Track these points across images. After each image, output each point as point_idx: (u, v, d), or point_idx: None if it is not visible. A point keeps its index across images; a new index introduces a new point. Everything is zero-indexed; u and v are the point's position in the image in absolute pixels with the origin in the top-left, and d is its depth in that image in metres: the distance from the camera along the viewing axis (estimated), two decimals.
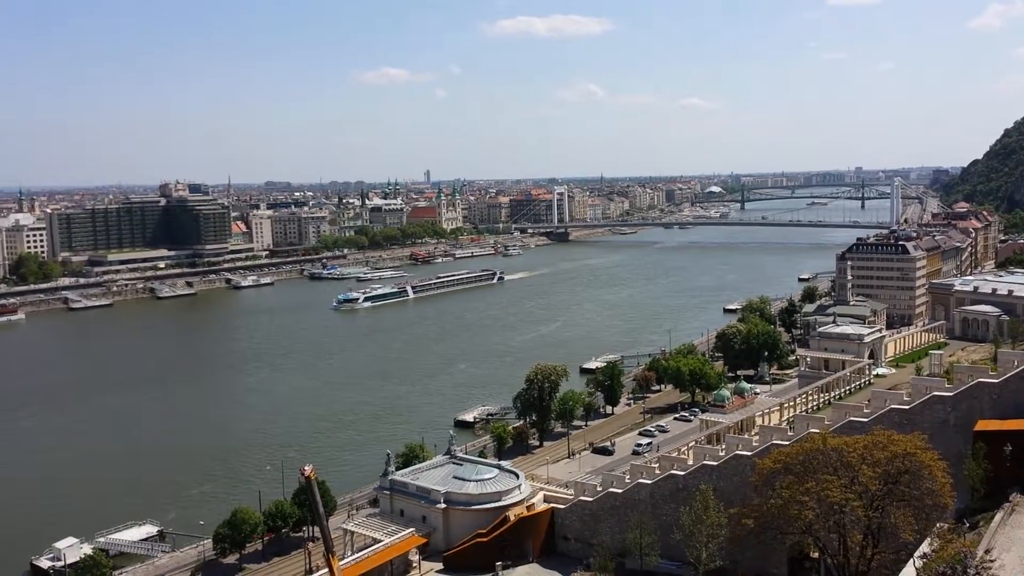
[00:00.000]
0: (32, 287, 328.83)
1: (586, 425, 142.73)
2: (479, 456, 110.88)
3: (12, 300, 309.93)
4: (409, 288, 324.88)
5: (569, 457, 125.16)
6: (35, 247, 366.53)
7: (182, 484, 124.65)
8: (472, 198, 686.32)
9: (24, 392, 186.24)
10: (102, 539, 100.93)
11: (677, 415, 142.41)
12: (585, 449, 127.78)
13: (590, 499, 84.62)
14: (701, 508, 68.90)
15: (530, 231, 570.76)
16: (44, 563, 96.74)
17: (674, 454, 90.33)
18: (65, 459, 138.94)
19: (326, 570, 65.76)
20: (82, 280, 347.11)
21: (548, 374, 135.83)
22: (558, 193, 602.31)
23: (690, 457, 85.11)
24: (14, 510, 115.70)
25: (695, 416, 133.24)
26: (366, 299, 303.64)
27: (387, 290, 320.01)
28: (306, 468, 63.13)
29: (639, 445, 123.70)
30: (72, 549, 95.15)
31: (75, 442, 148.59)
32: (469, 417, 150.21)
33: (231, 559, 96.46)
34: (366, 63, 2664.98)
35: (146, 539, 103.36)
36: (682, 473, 79.09)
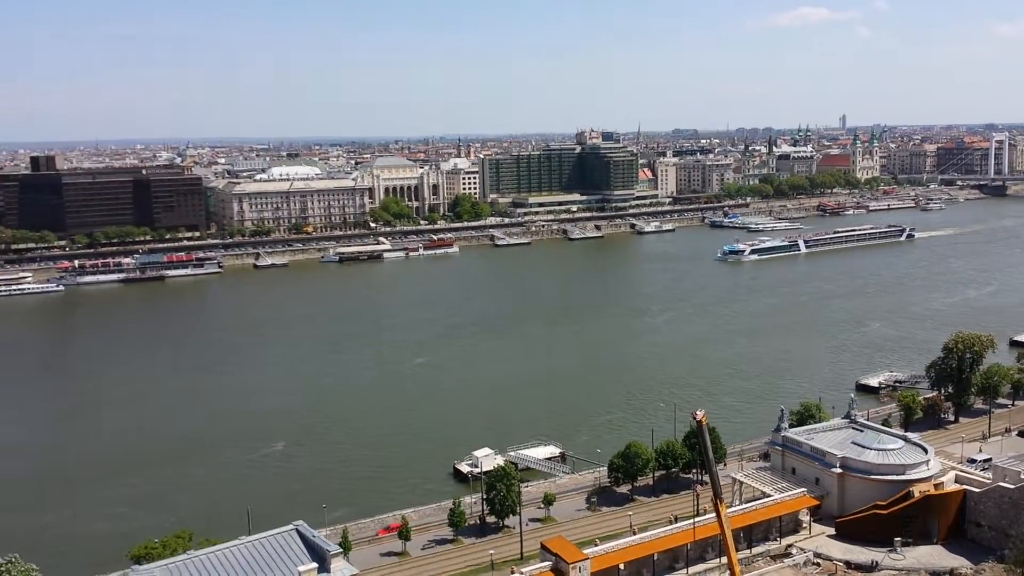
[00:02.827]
0: (465, 224, 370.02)
1: (1012, 405, 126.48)
2: (882, 424, 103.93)
3: (449, 235, 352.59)
4: (801, 242, 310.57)
5: (985, 438, 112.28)
6: (469, 189, 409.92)
7: (586, 412, 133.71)
8: (892, 145, 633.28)
9: (466, 313, 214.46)
10: (512, 453, 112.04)
11: None
12: (1009, 431, 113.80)
13: (1011, 486, 75.55)
14: None
15: (959, 183, 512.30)
16: (464, 468, 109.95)
17: None
18: (490, 377, 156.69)
19: (713, 515, 66.72)
20: (506, 220, 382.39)
21: (971, 343, 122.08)
22: (996, 141, 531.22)
23: None
24: (447, 418, 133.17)
25: None
26: (752, 251, 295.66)
27: (776, 243, 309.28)
28: (698, 412, 63.94)
29: (972, 461, 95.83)
30: (488, 459, 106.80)
31: (501, 362, 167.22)
32: (873, 382, 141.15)
33: (623, 489, 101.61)
34: (783, 4, 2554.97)
35: (549, 459, 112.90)
36: None
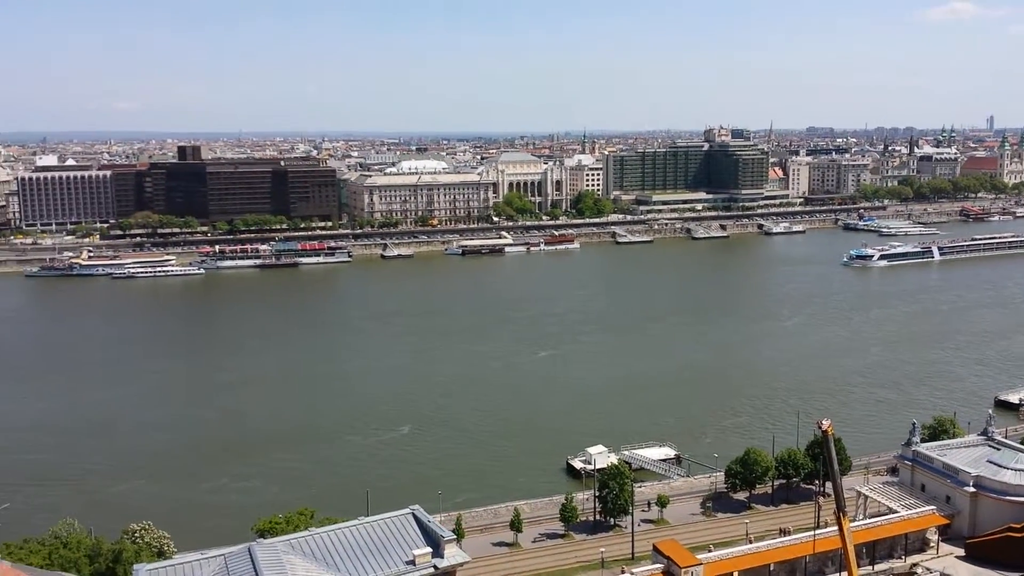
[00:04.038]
0: (587, 220, 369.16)
1: None
2: (1021, 443, 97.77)
3: (570, 231, 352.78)
4: (935, 248, 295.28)
5: None
6: (592, 185, 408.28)
7: (705, 415, 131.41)
8: None
9: (588, 310, 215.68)
10: (626, 452, 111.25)
11: None
12: None
13: None
14: None
15: None
16: (577, 463, 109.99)
17: None
18: (611, 374, 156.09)
19: (835, 528, 64.45)
20: (628, 217, 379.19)
21: None
22: None
23: None
24: (565, 413, 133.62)
25: None
26: (882, 257, 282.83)
27: (908, 249, 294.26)
28: (824, 422, 61.77)
29: None
30: (601, 456, 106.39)
31: (622, 360, 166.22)
32: (1014, 398, 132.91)
33: (741, 495, 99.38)
34: None
35: (664, 460, 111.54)
36: None
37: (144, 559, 68.39)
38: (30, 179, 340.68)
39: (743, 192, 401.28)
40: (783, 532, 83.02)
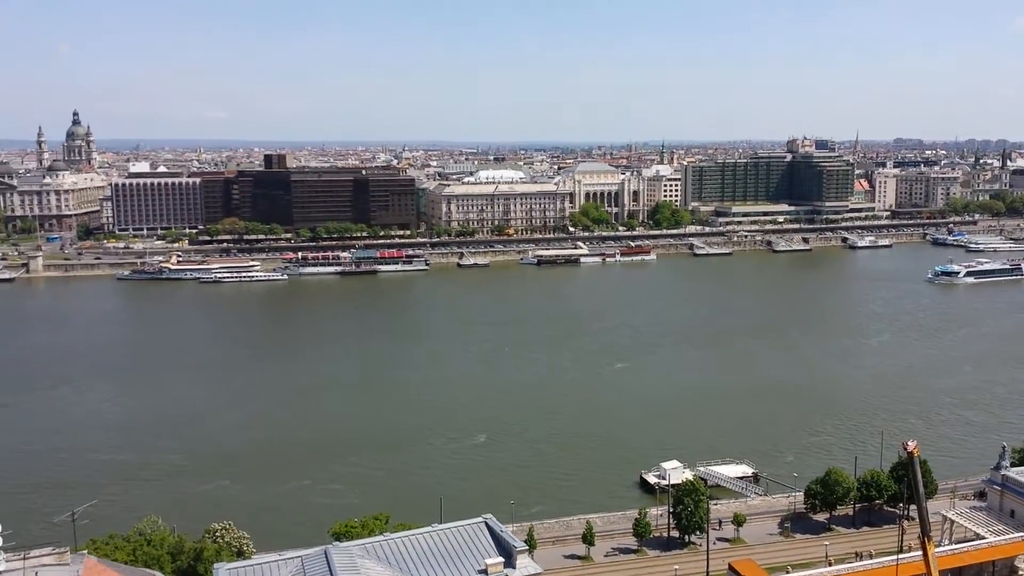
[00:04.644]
0: (664, 232, 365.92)
1: None
2: None
3: (647, 242, 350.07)
4: None
5: None
6: (670, 196, 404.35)
7: (785, 433, 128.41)
8: None
9: (666, 322, 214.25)
10: (702, 469, 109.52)
11: None
12: None
13: None
14: None
15: None
16: (651, 478, 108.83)
17: None
18: (688, 388, 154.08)
19: (919, 553, 62.33)
20: (707, 228, 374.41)
21: None
22: None
23: None
24: (639, 426, 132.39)
25: None
26: (968, 274, 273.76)
27: (996, 265, 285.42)
28: (910, 443, 59.83)
29: None
30: (676, 471, 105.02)
31: (700, 374, 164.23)
32: None
33: (820, 517, 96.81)
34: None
35: (741, 478, 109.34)
36: None
37: (224, 558, 70.06)
38: (123, 185, 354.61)
39: (827, 204, 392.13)
40: (859, 556, 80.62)
